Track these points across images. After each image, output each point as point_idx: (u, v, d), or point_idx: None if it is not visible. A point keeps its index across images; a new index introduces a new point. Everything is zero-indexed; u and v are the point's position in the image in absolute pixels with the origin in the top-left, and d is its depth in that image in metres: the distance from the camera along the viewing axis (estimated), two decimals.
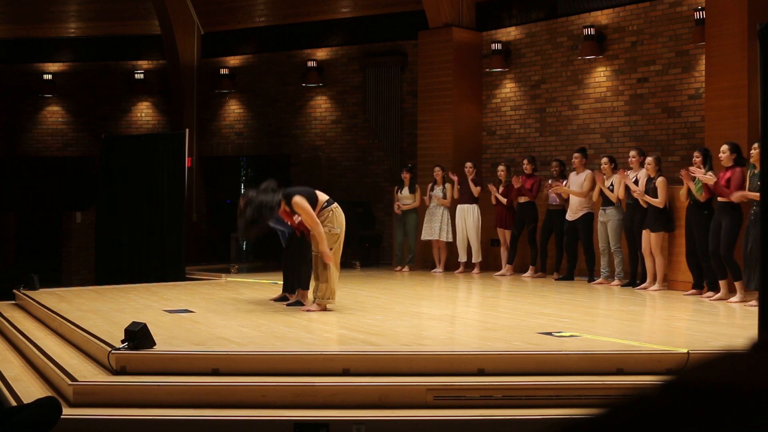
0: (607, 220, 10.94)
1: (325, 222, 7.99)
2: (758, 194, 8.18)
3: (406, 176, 13.40)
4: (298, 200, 7.91)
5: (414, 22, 14.71)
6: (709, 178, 9.09)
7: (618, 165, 11.17)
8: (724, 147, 9.12)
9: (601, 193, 10.95)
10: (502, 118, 14.34)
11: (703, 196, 9.30)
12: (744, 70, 10.15)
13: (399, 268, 13.48)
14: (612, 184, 10.86)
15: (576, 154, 11.58)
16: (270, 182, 7.95)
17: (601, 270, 11.12)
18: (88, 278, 14.72)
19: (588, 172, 11.42)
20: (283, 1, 16.80)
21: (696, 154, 9.54)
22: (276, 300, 9.03)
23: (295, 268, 8.81)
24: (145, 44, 17.95)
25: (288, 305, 8.59)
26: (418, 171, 14.03)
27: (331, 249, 7.97)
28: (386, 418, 5.28)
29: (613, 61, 12.91)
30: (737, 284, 8.99)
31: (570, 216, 11.46)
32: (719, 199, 9.09)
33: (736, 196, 8.66)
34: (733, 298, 8.96)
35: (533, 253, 12.24)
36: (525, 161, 12.37)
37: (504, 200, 12.37)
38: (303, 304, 8.48)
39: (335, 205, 8.16)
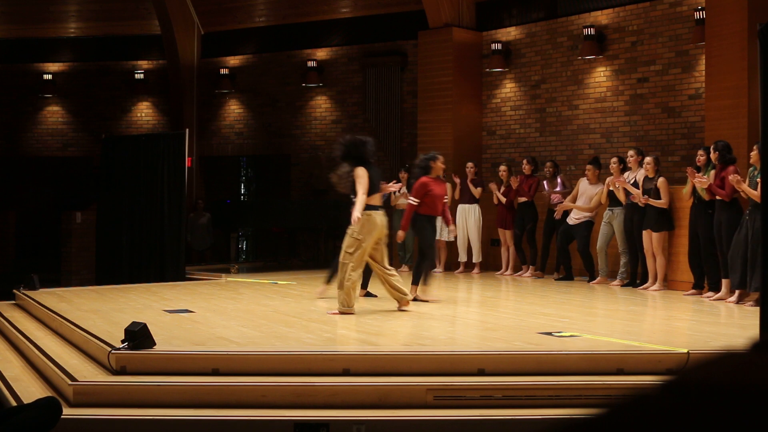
0: (613, 220, 10.88)
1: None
2: (755, 192, 8.22)
3: (403, 176, 13.40)
4: (360, 171, 7.81)
5: (414, 22, 14.71)
6: (704, 180, 9.10)
7: (627, 166, 11.09)
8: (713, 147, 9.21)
9: (610, 192, 10.84)
10: (502, 118, 14.34)
11: (708, 195, 9.29)
12: (744, 70, 10.15)
13: (404, 267, 13.49)
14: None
15: (589, 166, 11.37)
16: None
17: (600, 270, 11.11)
18: (88, 278, 14.71)
19: (602, 186, 11.12)
20: (283, 1, 16.80)
21: (700, 152, 9.55)
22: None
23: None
24: (145, 44, 17.95)
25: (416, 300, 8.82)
26: None
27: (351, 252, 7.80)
28: (386, 418, 5.28)
29: (613, 61, 12.91)
30: (724, 281, 9.04)
31: (571, 220, 11.42)
32: (717, 197, 9.10)
33: (732, 179, 8.63)
34: (731, 298, 8.95)
35: (533, 253, 12.24)
36: (524, 161, 12.35)
37: (504, 200, 12.37)
38: (426, 300, 8.83)
39: (376, 212, 7.86)
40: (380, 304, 8.93)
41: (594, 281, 11.12)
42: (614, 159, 10.92)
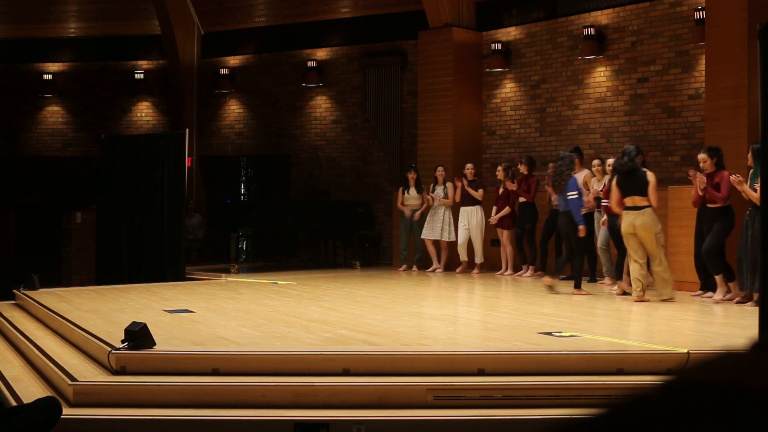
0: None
1: None
2: (754, 194, 8.22)
3: (411, 177, 13.36)
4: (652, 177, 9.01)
5: (414, 22, 14.71)
6: (701, 181, 9.08)
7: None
8: (703, 156, 9.13)
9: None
10: (502, 118, 14.34)
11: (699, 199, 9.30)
12: (744, 70, 10.15)
13: (404, 267, 13.46)
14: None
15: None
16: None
17: (605, 270, 11.08)
18: (88, 278, 14.71)
19: (586, 172, 11.30)
20: (283, 1, 16.80)
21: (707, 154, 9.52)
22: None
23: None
24: (145, 44, 17.95)
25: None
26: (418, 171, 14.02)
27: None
28: (386, 418, 5.28)
29: (613, 61, 12.91)
30: (731, 284, 9.02)
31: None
32: (709, 204, 9.09)
33: (734, 179, 8.62)
34: (716, 296, 9.00)
35: (532, 253, 12.23)
36: (520, 162, 12.31)
37: (513, 186, 12.26)
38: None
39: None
40: (380, 304, 8.93)
41: (602, 281, 11.06)
42: (596, 161, 10.95)
